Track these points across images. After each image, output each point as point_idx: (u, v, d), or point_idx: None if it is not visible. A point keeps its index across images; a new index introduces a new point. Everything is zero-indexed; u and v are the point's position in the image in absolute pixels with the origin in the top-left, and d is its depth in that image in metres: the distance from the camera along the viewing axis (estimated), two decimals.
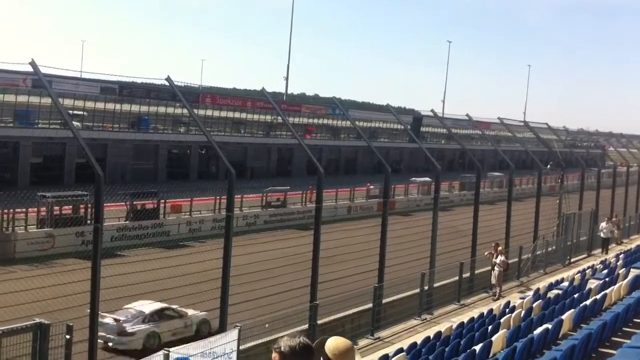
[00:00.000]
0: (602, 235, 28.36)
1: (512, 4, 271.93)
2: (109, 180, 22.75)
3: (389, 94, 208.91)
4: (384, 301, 17.61)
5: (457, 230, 24.25)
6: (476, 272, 21.82)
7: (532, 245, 25.13)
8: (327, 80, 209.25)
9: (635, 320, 10.55)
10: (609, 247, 28.30)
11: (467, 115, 27.99)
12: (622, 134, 49.68)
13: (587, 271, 20.67)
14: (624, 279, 15.07)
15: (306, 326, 15.20)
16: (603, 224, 28.26)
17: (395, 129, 71.11)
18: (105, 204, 12.69)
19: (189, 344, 11.46)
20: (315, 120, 66.75)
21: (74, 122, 34.04)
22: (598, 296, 13.16)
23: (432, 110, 26.65)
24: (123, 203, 28.21)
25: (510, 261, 22.29)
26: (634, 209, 36.44)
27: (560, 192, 30.14)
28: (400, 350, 12.24)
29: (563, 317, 10.99)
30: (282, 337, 3.61)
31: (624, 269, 18.21)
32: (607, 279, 16.53)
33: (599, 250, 28.40)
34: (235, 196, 15.62)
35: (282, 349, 3.50)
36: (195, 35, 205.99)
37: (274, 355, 3.54)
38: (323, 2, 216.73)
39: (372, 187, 43.08)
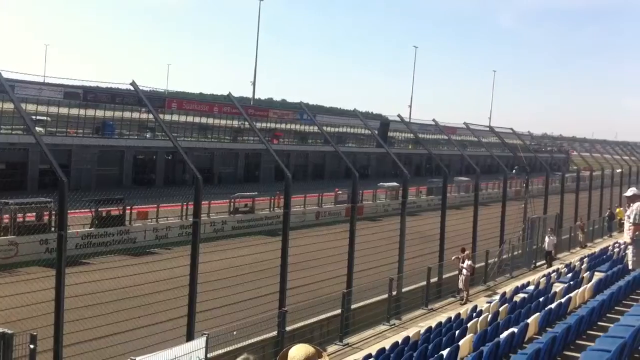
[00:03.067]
0: (545, 247, 27.05)
1: (479, 10, 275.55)
2: (73, 187, 22.43)
3: (356, 99, 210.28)
4: (352, 307, 17.62)
5: (424, 235, 24.40)
6: (444, 276, 22.00)
7: (498, 250, 25.43)
8: (294, 85, 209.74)
9: (599, 323, 10.71)
10: (553, 260, 26.79)
11: (433, 120, 28.24)
12: (586, 138, 50.61)
13: (552, 275, 20.94)
14: (588, 282, 15.29)
15: (275, 333, 15.16)
16: (547, 237, 26.97)
17: (363, 134, 71.46)
18: (69, 211, 12.48)
19: (155, 353, 11.30)
20: (283, 125, 66.74)
21: (37, 128, 33.70)
22: (563, 300, 13.33)
23: (399, 115, 26.82)
24: (88, 210, 27.81)
25: (477, 265, 22.55)
26: (597, 213, 37.11)
27: (525, 197, 30.57)
28: (369, 356, 12.27)
29: (529, 320, 11.11)
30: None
31: (588, 272, 18.47)
32: (571, 283, 16.74)
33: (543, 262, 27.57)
34: (203, 202, 15.50)
35: None
36: (160, 39, 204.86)
37: None
38: (290, 8, 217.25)
39: (340, 192, 43.18)
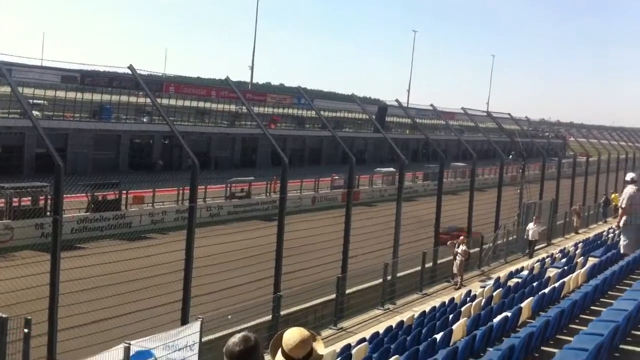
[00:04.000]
0: (529, 237, 25.95)
1: None
2: (69, 171, 22.42)
3: (354, 84, 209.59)
4: (347, 291, 17.69)
5: (420, 220, 24.43)
6: (438, 261, 22.08)
7: (493, 235, 25.49)
8: (292, 70, 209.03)
9: (592, 307, 10.76)
10: (535, 249, 26.02)
11: (431, 105, 28.23)
12: (583, 124, 50.74)
13: (546, 260, 21.02)
14: (582, 268, 15.35)
15: (269, 317, 15.21)
16: (530, 225, 25.89)
17: (360, 119, 71.31)
18: (65, 195, 12.48)
19: (150, 337, 11.34)
20: (281, 110, 66.56)
21: (34, 112, 33.51)
22: (556, 284, 13.40)
23: (396, 100, 26.76)
24: (84, 194, 27.77)
25: (471, 250, 22.61)
26: (593, 199, 37.17)
27: (521, 182, 30.60)
28: (363, 340, 12.33)
29: (522, 305, 11.16)
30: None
31: (582, 257, 18.55)
32: (565, 268, 16.81)
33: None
34: (199, 187, 15.49)
35: (225, 355, 3.52)
36: (158, 23, 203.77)
37: None
38: None
39: (336, 177, 43.17)
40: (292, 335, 3.72)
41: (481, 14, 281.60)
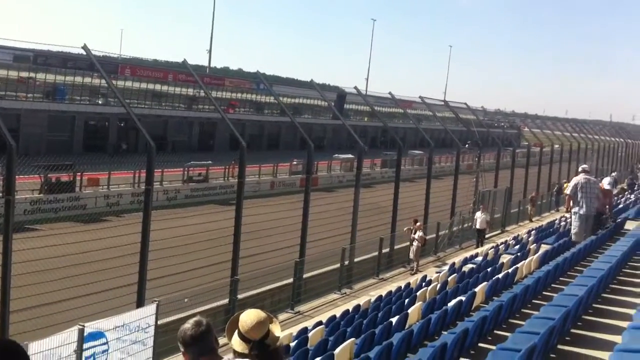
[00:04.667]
0: (477, 226, 25.49)
1: None
2: (22, 152, 21.88)
3: (313, 70, 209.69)
4: (304, 276, 17.78)
5: (378, 206, 24.61)
6: (395, 247, 22.31)
7: (449, 222, 25.84)
8: (251, 55, 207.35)
9: (544, 293, 11.00)
10: (485, 238, 25.70)
11: (389, 93, 28.37)
12: (537, 115, 51.55)
13: (500, 247, 21.43)
14: (535, 254, 15.69)
15: (227, 301, 15.19)
16: (478, 214, 25.47)
17: (319, 105, 71.29)
18: (17, 176, 12.21)
19: (103, 319, 11.21)
20: (239, 95, 66.10)
21: None
22: (510, 270, 13.67)
23: (355, 87, 26.85)
24: (37, 175, 27.20)
25: (428, 237, 22.89)
26: (546, 188, 37.94)
27: (477, 171, 31.07)
28: (319, 323, 12.42)
29: (476, 290, 11.36)
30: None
31: (535, 244, 18.97)
32: (519, 254, 17.18)
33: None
34: (156, 170, 15.32)
35: (179, 341, 3.57)
36: (114, 3, 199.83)
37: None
38: None
39: (295, 162, 43.15)
40: (249, 317, 3.74)
41: (439, 3, 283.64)
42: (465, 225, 26.66)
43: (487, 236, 26.13)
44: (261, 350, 3.68)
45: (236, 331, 3.74)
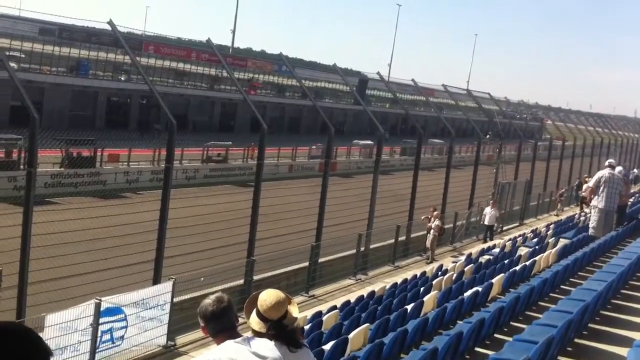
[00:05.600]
0: (485, 222, 24.31)
1: None
2: (44, 126, 21.99)
3: (336, 55, 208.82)
4: (320, 260, 17.77)
5: (396, 194, 24.52)
6: (412, 235, 22.23)
7: (467, 212, 25.69)
8: (274, 37, 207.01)
9: (562, 286, 10.92)
10: (493, 236, 24.48)
11: (412, 80, 28.14)
12: (561, 108, 50.98)
13: (518, 239, 21.29)
14: (553, 248, 15.55)
15: (242, 281, 15.23)
16: (487, 209, 24.30)
17: (341, 90, 71.05)
18: (39, 150, 12.28)
19: (121, 294, 11.30)
20: (261, 77, 66.01)
21: (10, 63, 32.69)
22: (527, 262, 13.57)
23: (378, 73, 26.64)
24: (58, 149, 27.40)
25: (445, 226, 22.78)
26: (567, 182, 37.59)
27: (497, 162, 30.81)
28: (334, 308, 12.42)
29: (493, 280, 11.29)
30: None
31: (553, 238, 18.81)
32: (537, 247, 17.05)
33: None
34: (176, 149, 15.34)
35: (199, 316, 3.57)
36: None
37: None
38: None
39: (314, 147, 43.11)
40: (269, 297, 3.74)
41: None
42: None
43: (500, 230, 25.78)
44: (278, 330, 3.67)
45: (254, 310, 3.74)
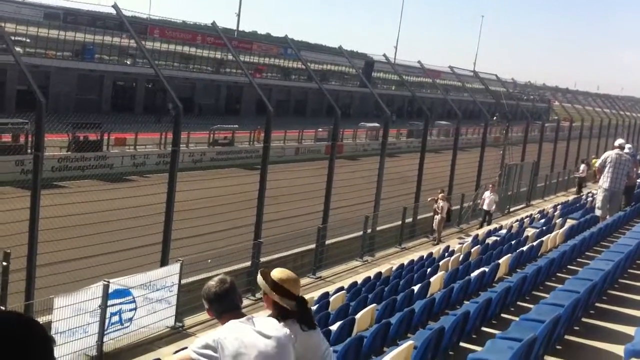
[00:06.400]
0: (484, 207, 23.38)
1: None
2: (50, 110, 22.00)
3: (342, 37, 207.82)
4: (327, 242, 17.80)
5: (402, 176, 24.49)
6: (418, 217, 22.22)
7: (473, 194, 25.65)
8: (280, 20, 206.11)
9: (569, 267, 10.91)
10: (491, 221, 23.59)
11: (418, 62, 27.98)
12: (568, 89, 50.60)
13: (525, 220, 21.26)
14: (561, 228, 15.53)
15: (249, 263, 15.28)
16: (487, 193, 23.32)
17: (347, 72, 70.75)
18: (46, 134, 12.29)
19: (129, 276, 11.36)
20: (266, 60, 65.79)
21: (15, 48, 32.66)
22: (534, 243, 13.56)
23: (384, 55, 26.50)
24: (65, 133, 27.44)
25: (452, 208, 22.74)
26: (574, 164, 37.44)
27: (504, 144, 30.70)
28: (341, 289, 12.46)
29: (500, 261, 11.29)
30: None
31: (560, 219, 18.78)
32: (544, 228, 17.02)
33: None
34: (182, 132, 15.33)
35: (204, 297, 3.63)
36: None
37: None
38: None
39: (320, 130, 43.03)
40: (285, 274, 3.94)
41: None
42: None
43: (507, 212, 25.57)
44: (302, 307, 3.79)
45: (272, 283, 3.83)
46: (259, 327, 3.44)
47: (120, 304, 11.08)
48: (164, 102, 47.87)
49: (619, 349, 6.30)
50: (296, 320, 3.78)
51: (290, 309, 3.78)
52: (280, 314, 3.78)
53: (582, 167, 33.06)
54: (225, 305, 3.59)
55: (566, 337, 7.10)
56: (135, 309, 11.30)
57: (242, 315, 3.60)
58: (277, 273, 3.91)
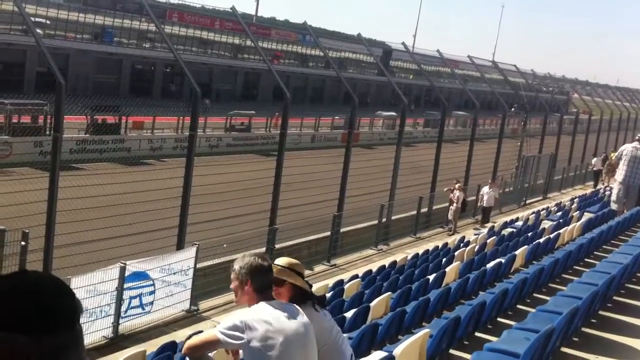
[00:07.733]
0: (483, 203, 22.49)
1: None
2: (69, 92, 22.14)
3: (360, 25, 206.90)
4: (342, 230, 17.80)
5: (418, 165, 24.39)
6: (434, 207, 22.14)
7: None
8: (298, 6, 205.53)
9: (586, 260, 10.84)
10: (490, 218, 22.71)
11: (437, 51, 27.79)
12: (588, 81, 50.09)
13: (541, 212, 21.13)
14: (578, 221, 15.43)
15: (264, 249, 15.31)
16: (485, 189, 22.54)
17: (364, 61, 70.41)
18: (65, 116, 12.36)
19: (146, 259, 11.43)
20: (284, 47, 65.61)
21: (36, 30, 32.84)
22: (551, 235, 13.48)
23: (402, 43, 26.37)
24: (83, 116, 27.57)
25: (468, 199, 22.64)
26: (591, 157, 37.12)
27: (522, 135, 30.50)
28: (356, 277, 12.48)
29: (516, 252, 11.24)
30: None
31: (577, 212, 18.66)
32: (560, 221, 16.92)
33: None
34: (199, 117, 15.36)
35: (245, 270, 3.51)
36: None
37: (232, 276, 3.56)
38: None
39: (337, 118, 42.94)
40: (289, 258, 3.98)
41: None
42: (507, 189, 26.20)
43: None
44: (310, 287, 3.89)
45: (284, 270, 3.85)
46: (288, 312, 3.43)
47: (140, 287, 11.15)
48: (181, 87, 47.99)
49: (636, 343, 6.28)
50: (310, 303, 3.79)
51: (308, 290, 3.82)
52: (298, 298, 3.77)
53: (594, 160, 32.82)
54: (267, 280, 3.54)
55: (583, 329, 7.07)
56: (154, 292, 11.38)
57: (273, 297, 3.58)
58: (284, 260, 3.93)
